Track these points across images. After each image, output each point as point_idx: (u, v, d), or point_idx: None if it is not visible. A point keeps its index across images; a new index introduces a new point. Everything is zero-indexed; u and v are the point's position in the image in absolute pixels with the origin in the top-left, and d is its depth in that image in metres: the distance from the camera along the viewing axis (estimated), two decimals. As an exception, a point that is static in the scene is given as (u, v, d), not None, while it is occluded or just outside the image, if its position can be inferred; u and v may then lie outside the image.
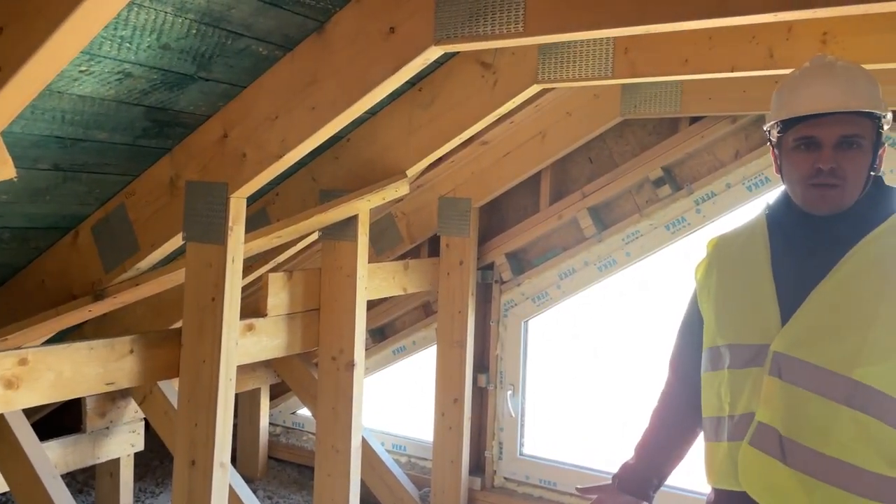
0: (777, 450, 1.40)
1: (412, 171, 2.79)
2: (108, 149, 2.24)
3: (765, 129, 1.51)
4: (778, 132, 1.45)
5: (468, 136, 2.74)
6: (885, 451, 1.32)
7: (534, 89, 2.48)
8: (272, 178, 2.30)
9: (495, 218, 3.71)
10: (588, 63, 2.33)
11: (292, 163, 2.27)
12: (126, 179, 2.46)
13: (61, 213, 2.48)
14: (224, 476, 2.33)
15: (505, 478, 3.71)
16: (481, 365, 3.73)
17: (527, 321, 3.68)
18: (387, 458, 3.81)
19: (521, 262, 3.68)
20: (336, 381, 2.95)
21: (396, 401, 5.21)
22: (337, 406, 2.95)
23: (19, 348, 2.47)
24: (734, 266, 1.54)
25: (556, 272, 3.52)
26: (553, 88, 2.88)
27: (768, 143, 1.51)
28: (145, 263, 2.51)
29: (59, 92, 1.90)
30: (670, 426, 1.71)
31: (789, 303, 1.42)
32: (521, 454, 3.68)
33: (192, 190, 2.32)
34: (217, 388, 2.29)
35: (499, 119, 2.87)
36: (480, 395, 3.75)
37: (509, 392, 3.67)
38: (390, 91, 2.11)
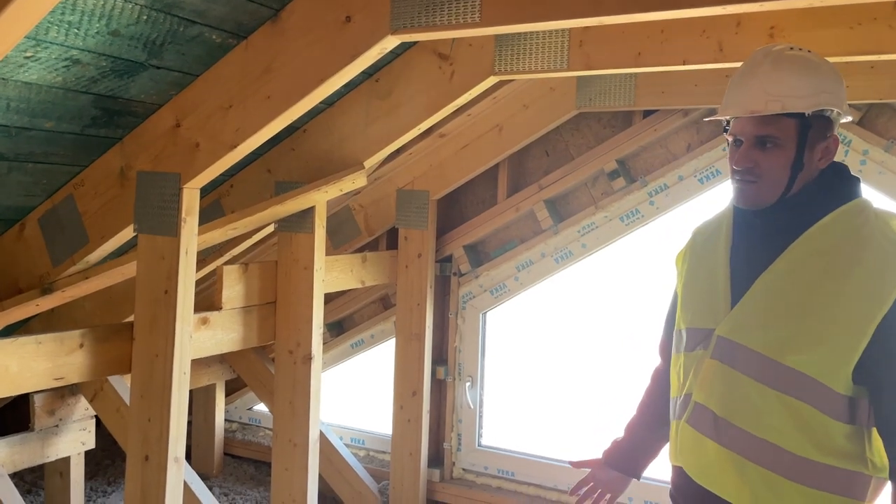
0: (711, 429, 1.46)
1: (370, 163, 2.78)
2: (55, 138, 2.18)
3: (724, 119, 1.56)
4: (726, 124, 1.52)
5: (426, 128, 2.74)
6: (815, 436, 1.37)
7: (490, 81, 2.49)
8: (226, 168, 2.26)
9: (453, 210, 3.72)
10: (544, 55, 2.35)
11: (247, 153, 2.23)
12: (75, 170, 2.39)
13: (6, 205, 2.41)
14: (179, 472, 2.29)
15: (463, 469, 3.73)
16: (440, 357, 3.74)
17: (485, 313, 3.70)
18: (345, 452, 3.79)
19: (479, 255, 3.70)
20: (293, 375, 2.93)
21: (354, 395, 5.19)
22: (294, 400, 2.93)
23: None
24: (701, 253, 1.61)
25: (514, 264, 3.55)
26: (510, 81, 2.90)
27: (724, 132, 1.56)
28: (95, 256, 2.45)
29: (3, 79, 1.84)
30: (657, 406, 1.75)
31: (739, 290, 1.47)
32: (479, 445, 3.71)
33: (143, 180, 2.27)
34: (171, 382, 2.25)
35: (456, 111, 2.88)
36: (439, 388, 3.76)
37: (468, 384, 3.69)
38: (346, 81, 2.10)
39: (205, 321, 2.64)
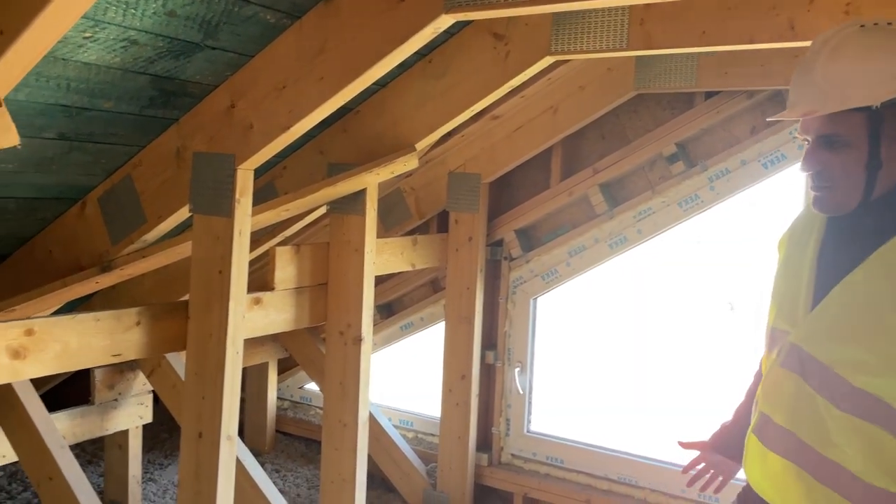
0: (777, 442, 1.36)
1: (421, 145, 2.75)
2: (114, 118, 2.21)
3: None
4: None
5: (479, 110, 2.69)
6: (889, 464, 1.23)
7: (546, 61, 2.43)
8: (279, 149, 2.26)
9: (505, 194, 3.67)
10: (602, 34, 2.27)
11: (300, 134, 2.23)
12: (132, 150, 2.43)
13: (68, 184, 2.46)
14: (231, 449, 2.33)
15: (512, 454, 3.71)
16: (489, 342, 3.72)
17: (535, 298, 3.65)
18: (394, 433, 3.81)
19: (530, 239, 3.64)
20: (343, 356, 2.94)
21: (404, 377, 5.21)
22: (344, 381, 2.94)
23: (26, 318, 2.46)
24: (795, 245, 1.46)
25: (566, 249, 3.49)
26: (566, 61, 2.83)
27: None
28: (152, 235, 2.49)
29: (63, 59, 1.86)
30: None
31: (820, 294, 1.34)
32: (528, 431, 3.67)
33: (198, 161, 2.29)
34: (224, 361, 2.28)
35: (510, 93, 2.82)
36: (488, 372, 3.74)
37: (517, 369, 3.65)
38: (400, 61, 2.07)
39: (258, 301, 2.66)
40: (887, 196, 1.27)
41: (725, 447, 1.70)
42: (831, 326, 1.30)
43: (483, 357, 3.67)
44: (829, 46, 1.28)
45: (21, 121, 1.70)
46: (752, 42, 2.11)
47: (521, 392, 3.65)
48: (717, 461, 1.71)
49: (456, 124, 2.78)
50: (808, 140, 1.32)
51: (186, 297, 3.20)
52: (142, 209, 2.45)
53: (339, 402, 2.95)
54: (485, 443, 3.74)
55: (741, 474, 1.60)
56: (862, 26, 1.28)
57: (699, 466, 1.74)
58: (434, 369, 3.81)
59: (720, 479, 1.72)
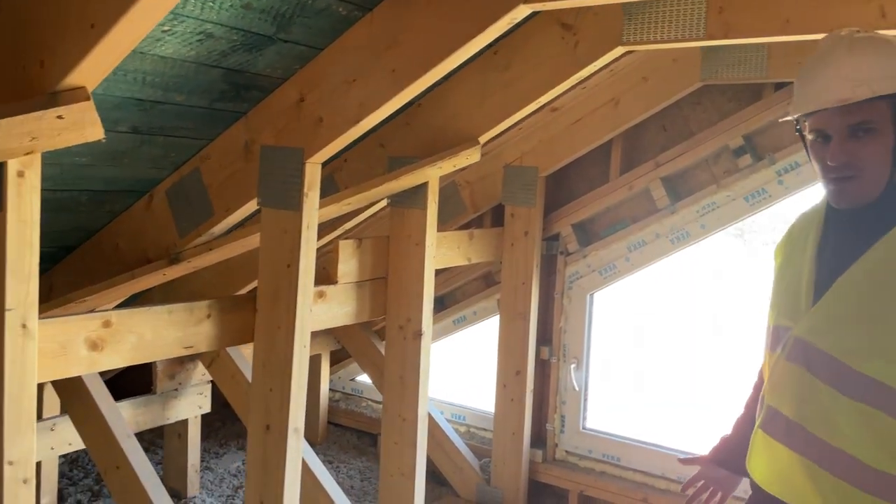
0: (784, 435, 1.38)
1: (485, 138, 2.72)
2: (185, 112, 2.22)
3: (789, 119, 1.45)
4: (798, 125, 1.42)
5: (546, 102, 2.65)
6: (894, 450, 1.26)
7: (618, 52, 2.37)
8: (349, 143, 2.26)
9: (562, 187, 3.62)
10: (678, 23, 2.21)
11: (370, 127, 2.22)
12: (201, 143, 2.44)
13: (137, 177, 2.49)
14: (298, 441, 2.34)
15: (566, 451, 3.67)
16: (544, 337, 3.68)
17: (592, 294, 3.60)
18: (447, 427, 3.80)
19: (587, 234, 3.59)
20: (403, 351, 2.93)
21: (455, 370, 5.20)
22: (404, 375, 2.93)
23: (93, 311, 2.50)
24: (794, 247, 1.50)
25: (625, 244, 3.43)
26: (629, 52, 2.76)
27: (797, 134, 1.45)
28: (219, 228, 2.51)
29: (141, 53, 1.88)
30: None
31: (822, 289, 1.37)
32: (583, 428, 3.63)
33: (267, 155, 2.30)
34: (292, 354, 2.29)
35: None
36: (542, 368, 3.70)
37: (573, 365, 3.61)
38: (474, 52, 2.04)
39: (321, 295, 2.67)
40: (892, 188, 1.32)
41: (726, 461, 1.69)
42: (835, 316, 1.33)
43: (538, 353, 3.63)
44: (842, 44, 1.34)
45: (98, 114, 1.70)
46: (837, 31, 2.03)
47: (577, 389, 3.61)
48: (718, 476, 1.70)
49: (520, 117, 2.74)
50: (822, 135, 1.35)
51: (247, 289, 3.26)
52: (210, 202, 2.47)
53: (399, 397, 2.94)
54: (539, 439, 3.71)
55: (741, 491, 1.59)
56: (858, 31, 1.37)
57: (699, 484, 1.72)
58: (485, 363, 3.79)
59: (719, 495, 1.71)
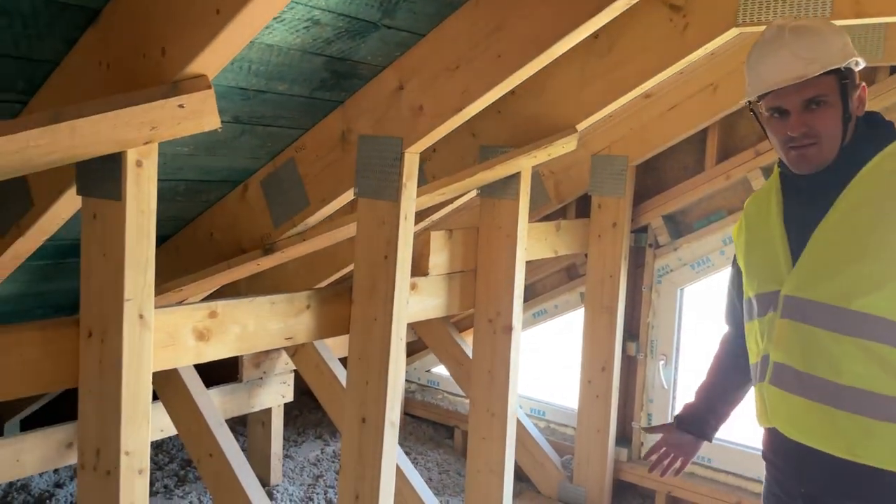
0: (796, 386, 1.48)
1: (583, 126, 2.62)
2: (285, 101, 2.20)
3: (745, 102, 1.59)
4: (751, 104, 1.56)
5: (650, 87, 2.53)
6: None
7: (731, 34, 2.24)
8: (449, 132, 2.20)
9: (652, 177, 3.49)
10: (801, 1, 2.07)
11: (471, 115, 2.15)
12: (297, 133, 2.42)
13: (233, 167, 2.49)
14: (394, 435, 2.30)
15: (653, 450, 3.55)
16: (631, 332, 3.57)
17: (682, 288, 3.47)
18: (528, 423, 3.73)
19: (679, 226, 3.46)
20: (492, 345, 2.87)
21: (535, 364, 5.12)
22: (493, 370, 2.87)
23: (183, 302, 2.52)
24: (756, 222, 1.64)
25: (720, 237, 3.28)
26: (734, 34, 2.62)
27: (751, 113, 1.59)
28: (314, 218, 2.49)
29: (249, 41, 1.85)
30: (726, 370, 1.83)
31: (797, 249, 1.51)
32: (672, 427, 3.51)
33: (364, 144, 2.26)
34: (388, 346, 2.25)
35: (666, 69, 2.65)
36: (629, 364, 3.59)
37: (661, 362, 3.49)
38: (584, 36, 1.95)
39: (413, 286, 2.62)
40: (847, 147, 1.48)
41: (691, 425, 1.85)
42: (819, 267, 1.46)
43: (624, 348, 3.53)
44: (786, 30, 1.49)
45: (205, 104, 1.69)
46: (983, 8, 1.87)
47: (665, 386, 3.49)
48: (681, 441, 1.85)
49: (621, 104, 2.63)
50: (778, 110, 1.49)
51: (328, 281, 3.25)
52: (305, 192, 2.45)
53: (487, 392, 2.88)
54: (624, 437, 3.60)
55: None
56: (796, 18, 1.55)
57: (661, 451, 1.87)
58: (565, 357, 3.70)
59: (680, 461, 1.86)
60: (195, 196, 2.59)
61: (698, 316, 3.60)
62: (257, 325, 2.07)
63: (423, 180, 2.92)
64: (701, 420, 1.83)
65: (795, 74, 1.43)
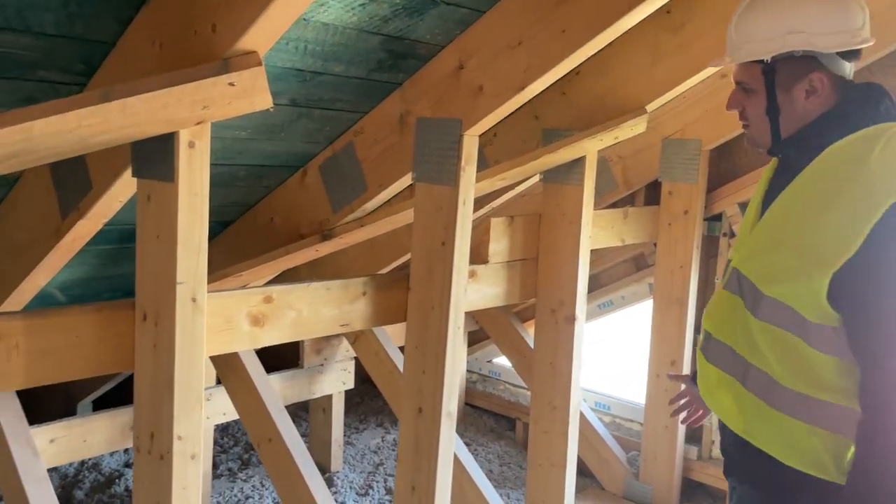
0: (715, 356, 1.50)
1: (653, 107, 2.49)
2: (342, 83, 2.15)
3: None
4: None
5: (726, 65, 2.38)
6: (802, 369, 1.35)
7: (818, 4, 2.07)
8: (510, 112, 2.11)
9: (727, 162, 3.31)
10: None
11: (533, 95, 2.06)
12: (355, 117, 2.38)
13: (292, 152, 2.46)
14: (451, 426, 2.24)
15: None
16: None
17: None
18: (592, 417, 3.62)
19: (755, 213, 3.27)
20: (555, 336, 2.77)
21: (599, 356, 4.98)
22: (555, 361, 2.77)
23: (251, 286, 2.51)
24: (751, 200, 1.61)
25: (802, 225, 3.08)
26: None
27: None
28: (372, 204, 2.45)
29: (304, 19, 1.81)
30: None
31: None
32: (746, 425, 3.34)
33: (423, 127, 2.19)
34: (445, 335, 2.19)
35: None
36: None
37: (736, 357, 3.32)
38: (657, 8, 1.82)
39: (472, 274, 2.55)
40: (805, 131, 1.41)
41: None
42: (757, 246, 1.45)
43: (695, 342, 3.36)
44: (745, 3, 1.44)
45: (261, 86, 1.65)
46: None
47: (740, 382, 3.32)
48: (696, 393, 1.76)
49: (694, 83, 2.49)
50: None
51: (389, 267, 3.21)
52: (363, 177, 2.40)
53: (549, 384, 2.79)
54: (694, 435, 3.45)
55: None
56: None
57: (683, 400, 1.83)
58: (631, 350, 3.57)
59: (700, 412, 1.80)
60: (255, 181, 2.59)
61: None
62: (312, 311, 2.04)
63: (484, 165, 2.84)
64: None
65: (727, 55, 1.46)
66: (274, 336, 1.98)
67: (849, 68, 1.41)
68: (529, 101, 2.72)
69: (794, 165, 1.42)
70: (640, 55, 2.45)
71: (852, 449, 1.32)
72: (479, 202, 3.03)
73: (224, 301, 1.84)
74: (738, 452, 1.48)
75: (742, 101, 1.46)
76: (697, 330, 3.36)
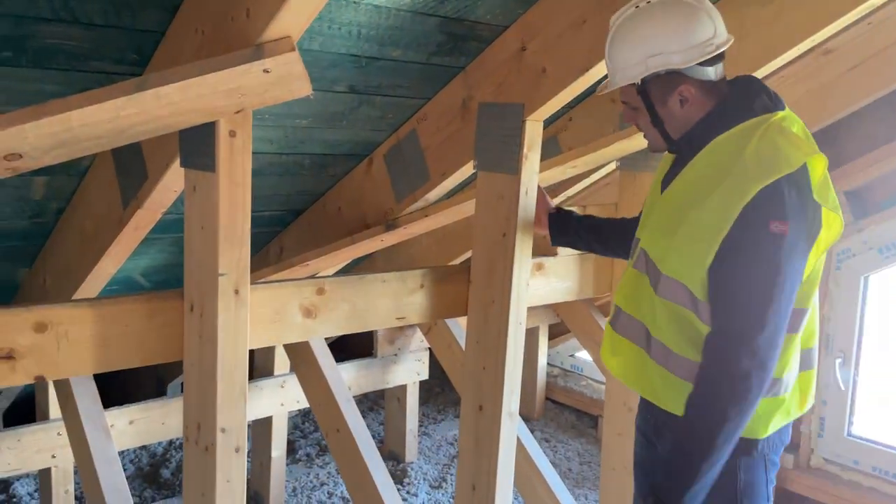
0: (625, 328, 1.65)
1: (739, 87, 2.27)
2: (401, 68, 2.09)
3: None
4: None
5: (827, 42, 2.15)
6: (693, 338, 1.49)
7: (932, -33, 1.82)
8: (574, 96, 1.98)
9: (832, 147, 3.02)
10: None
11: (599, 77, 1.92)
12: (418, 103, 2.31)
13: (356, 140, 2.43)
14: (512, 425, 2.15)
15: (825, 459, 3.13)
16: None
17: (867, 276, 2.99)
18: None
19: (863, 203, 2.98)
20: (631, 332, 2.61)
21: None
22: (631, 359, 2.61)
23: (314, 277, 2.50)
24: (653, 183, 1.73)
25: (916, 217, 2.78)
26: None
27: None
28: (435, 193, 2.37)
29: (354, 2, 1.75)
30: (614, 225, 1.99)
31: None
32: (849, 434, 3.06)
33: (484, 112, 2.09)
34: (506, 331, 2.09)
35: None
36: (798, 360, 3.16)
37: (839, 360, 3.04)
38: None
39: (539, 267, 2.44)
40: (693, 130, 1.55)
41: (561, 216, 2.07)
42: (656, 228, 1.58)
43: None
44: (612, 29, 1.58)
45: (315, 73, 1.61)
46: None
47: (843, 388, 3.04)
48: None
49: (783, 62, 2.25)
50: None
51: (460, 259, 3.13)
52: (426, 166, 2.34)
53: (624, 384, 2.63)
54: (791, 442, 3.19)
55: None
56: (637, 7, 1.54)
57: None
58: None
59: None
60: (321, 170, 2.57)
61: (884, 308, 3.09)
62: (367, 303, 1.99)
63: (557, 152, 2.71)
64: (571, 219, 2.03)
65: (607, 82, 1.62)
66: (327, 328, 1.95)
67: (713, 72, 1.54)
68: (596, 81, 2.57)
69: (685, 157, 1.57)
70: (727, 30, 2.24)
71: None
72: (553, 191, 2.90)
73: (274, 292, 1.82)
74: (647, 413, 1.66)
75: (633, 116, 1.63)
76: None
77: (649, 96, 1.54)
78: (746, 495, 1.51)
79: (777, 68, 2.50)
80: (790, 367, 1.50)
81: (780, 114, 1.53)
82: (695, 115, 1.54)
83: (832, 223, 1.46)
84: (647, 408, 1.66)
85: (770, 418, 1.50)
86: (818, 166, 1.44)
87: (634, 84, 1.54)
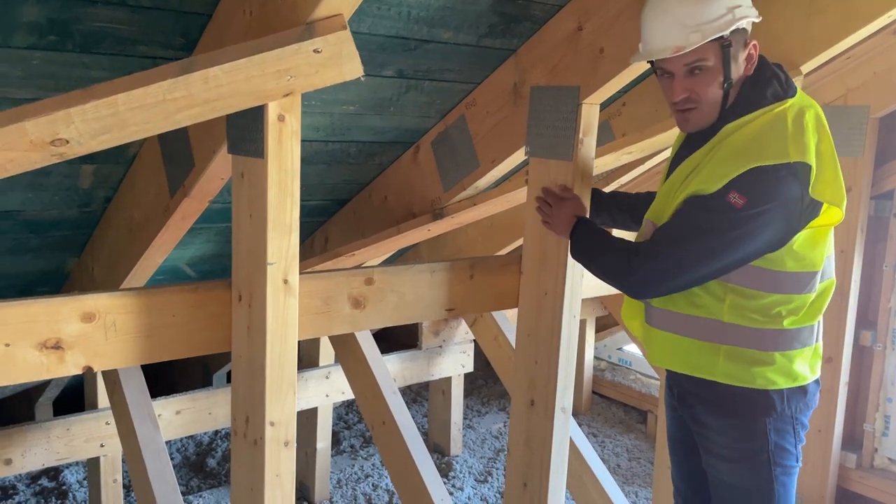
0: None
1: (808, 68, 2.15)
2: (451, 51, 2.01)
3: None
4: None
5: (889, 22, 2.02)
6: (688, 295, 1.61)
7: None
8: (634, 77, 1.88)
9: (900, 131, 2.87)
10: None
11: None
12: (467, 88, 2.23)
13: (403, 127, 2.36)
14: (566, 421, 2.07)
15: (889, 458, 2.99)
16: (866, 319, 3.00)
17: (939, 269, 2.83)
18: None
19: (935, 189, 2.81)
20: (687, 325, 2.50)
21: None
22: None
23: (361, 266, 2.45)
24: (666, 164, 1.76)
25: None
26: None
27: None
28: (484, 181, 2.30)
29: (402, -20, 1.68)
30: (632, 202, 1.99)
31: None
32: (917, 434, 2.91)
33: (537, 96, 2.01)
34: (559, 324, 2.01)
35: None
36: (862, 356, 3.04)
37: (906, 356, 2.89)
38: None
39: (593, 257, 2.34)
40: (727, 110, 1.57)
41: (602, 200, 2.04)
42: (660, 204, 1.65)
43: (857, 337, 2.99)
44: None
45: (363, 57, 1.55)
46: None
47: (911, 385, 2.89)
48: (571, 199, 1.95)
49: (855, 41, 2.12)
50: (666, 72, 1.58)
51: (507, 249, 3.06)
52: (475, 153, 2.26)
53: (680, 378, 2.53)
54: (853, 441, 3.06)
55: None
56: None
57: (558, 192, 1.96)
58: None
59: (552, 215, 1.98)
60: (368, 158, 2.51)
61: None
62: (416, 294, 1.93)
63: (610, 138, 2.61)
64: (601, 198, 2.00)
65: (676, 44, 1.50)
66: (376, 319, 1.89)
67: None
68: (662, 66, 2.46)
69: (697, 142, 1.59)
70: (793, 7, 2.11)
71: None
72: (606, 179, 2.80)
73: (323, 282, 1.78)
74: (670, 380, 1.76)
75: (691, 84, 1.54)
76: (860, 324, 2.97)
77: (729, 51, 1.51)
78: (777, 454, 1.61)
79: (845, 49, 2.37)
80: (820, 318, 1.63)
81: (790, 101, 1.54)
82: (739, 81, 1.55)
83: (832, 215, 1.53)
84: (669, 378, 1.76)
85: (804, 364, 1.62)
86: (827, 169, 1.49)
87: (720, 38, 1.49)
